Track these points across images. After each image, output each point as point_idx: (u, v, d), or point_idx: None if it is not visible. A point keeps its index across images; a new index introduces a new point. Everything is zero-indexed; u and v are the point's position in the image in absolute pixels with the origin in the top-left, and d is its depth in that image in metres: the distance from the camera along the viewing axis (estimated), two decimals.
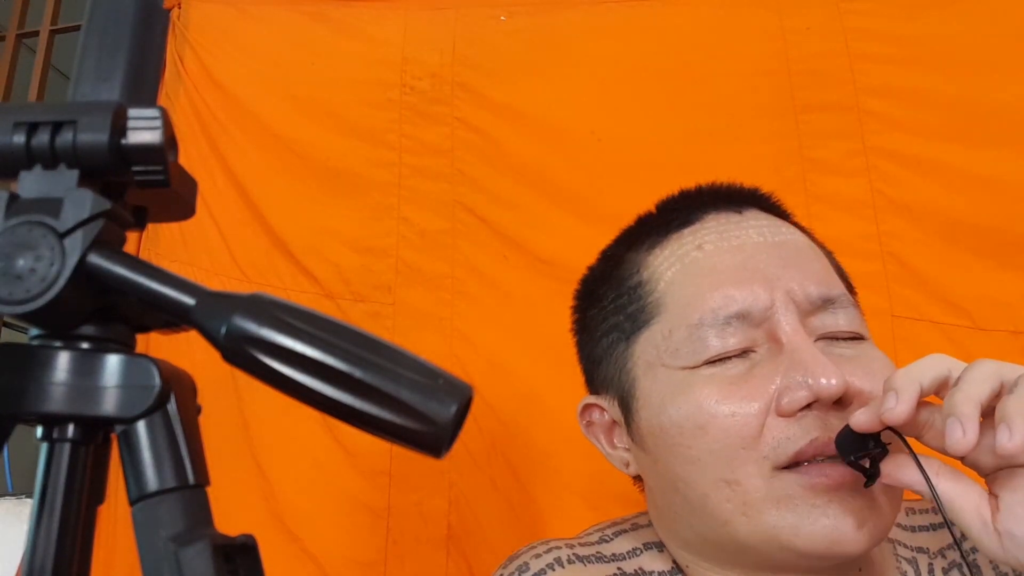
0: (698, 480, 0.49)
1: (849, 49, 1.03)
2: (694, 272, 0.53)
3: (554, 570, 0.54)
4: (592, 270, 0.63)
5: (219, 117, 1.12)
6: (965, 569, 0.54)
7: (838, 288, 0.54)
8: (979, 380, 0.41)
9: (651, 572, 0.56)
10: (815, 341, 0.50)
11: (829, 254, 0.59)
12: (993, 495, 0.42)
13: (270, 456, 0.99)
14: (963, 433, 0.39)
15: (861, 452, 0.44)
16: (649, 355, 0.53)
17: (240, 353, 0.28)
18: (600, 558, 0.56)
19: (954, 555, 0.56)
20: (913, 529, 0.58)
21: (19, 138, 0.30)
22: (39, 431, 0.30)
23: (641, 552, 0.57)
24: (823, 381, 0.46)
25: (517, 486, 0.95)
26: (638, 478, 0.61)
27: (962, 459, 0.43)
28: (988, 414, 0.41)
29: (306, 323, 0.28)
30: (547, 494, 0.94)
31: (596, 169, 1.05)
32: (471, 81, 1.11)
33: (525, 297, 1.01)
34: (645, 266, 0.56)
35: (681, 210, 0.58)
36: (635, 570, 0.56)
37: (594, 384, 0.60)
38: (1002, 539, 0.40)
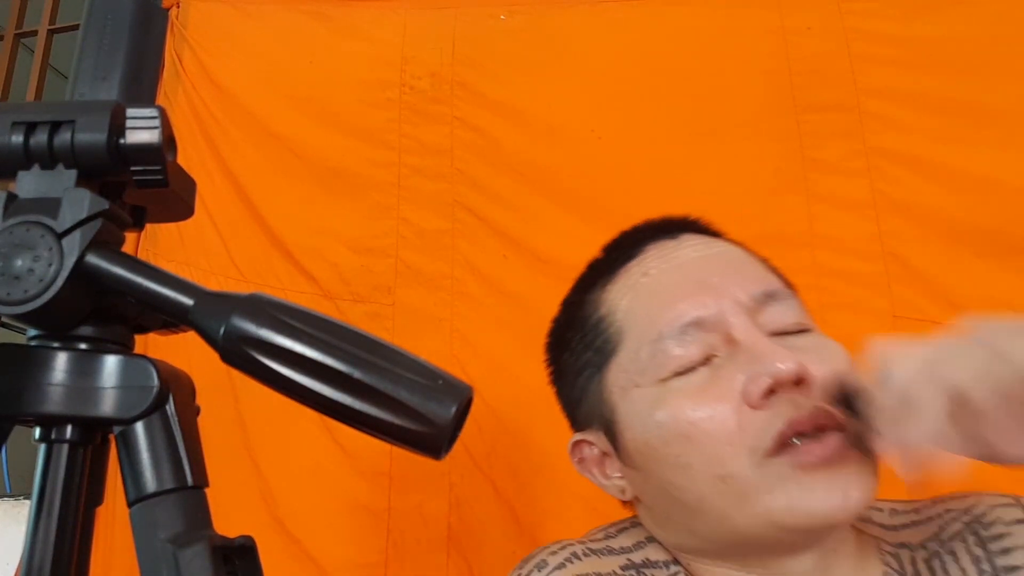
0: (693, 483, 0.52)
1: (850, 49, 1.03)
2: (645, 296, 0.58)
3: (572, 563, 0.57)
4: (556, 320, 0.67)
5: (218, 117, 1.12)
6: (944, 556, 0.57)
7: (776, 284, 0.58)
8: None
9: (656, 562, 0.59)
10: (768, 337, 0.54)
11: (764, 260, 0.62)
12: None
13: (269, 457, 0.99)
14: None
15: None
16: (621, 380, 0.57)
17: (238, 353, 0.28)
18: (610, 551, 0.59)
19: (935, 546, 0.58)
20: (896, 528, 0.61)
21: (17, 138, 0.30)
22: (37, 432, 0.30)
23: (645, 544, 0.60)
24: (779, 366, 0.49)
25: (517, 487, 0.95)
26: (630, 504, 0.64)
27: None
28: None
29: (305, 323, 0.28)
30: (547, 495, 0.94)
31: (596, 168, 1.05)
32: (471, 80, 1.11)
33: (525, 297, 1.01)
34: (602, 303, 0.61)
35: (623, 247, 0.63)
36: (643, 560, 0.59)
37: (579, 423, 0.64)
38: None
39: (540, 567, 0.57)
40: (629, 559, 0.58)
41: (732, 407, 0.51)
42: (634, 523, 0.63)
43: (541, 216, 1.04)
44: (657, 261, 0.59)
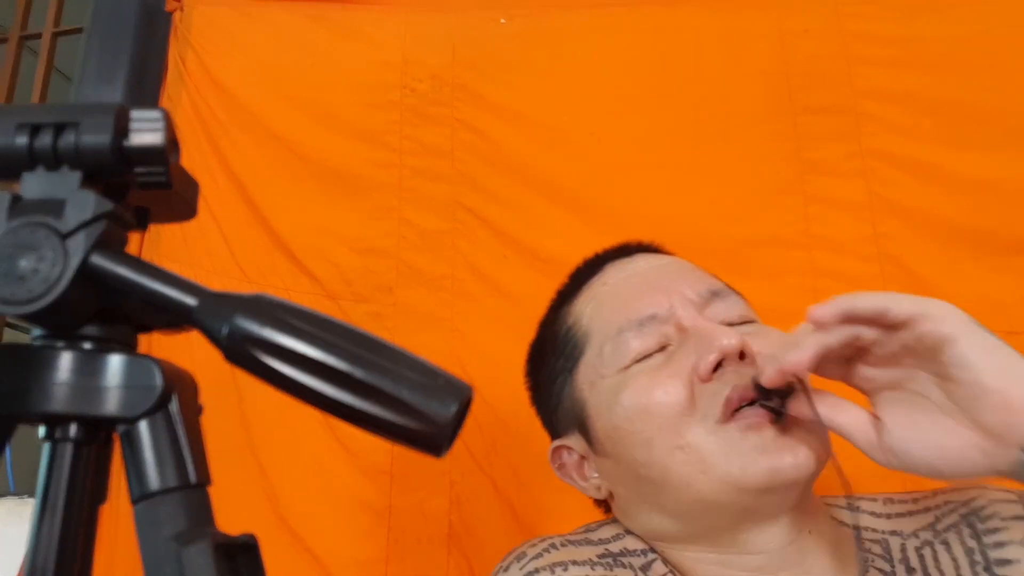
0: (656, 457, 0.57)
1: (847, 52, 1.03)
2: (606, 300, 0.65)
3: (549, 552, 0.60)
4: (532, 344, 0.74)
5: (221, 118, 1.12)
6: (936, 545, 0.59)
7: (720, 284, 0.64)
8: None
9: (634, 550, 0.63)
10: None
11: (712, 274, 0.68)
12: (877, 418, 0.51)
13: (271, 455, 0.99)
14: (796, 356, 0.51)
15: (770, 395, 0.54)
16: (589, 375, 0.63)
17: (242, 353, 0.28)
18: (588, 542, 0.63)
19: (927, 535, 0.60)
20: (889, 516, 0.63)
21: (22, 139, 0.30)
22: (42, 431, 0.30)
23: (623, 536, 0.64)
24: (725, 342, 0.55)
25: (518, 485, 0.95)
26: (605, 504, 0.69)
27: (845, 382, 0.54)
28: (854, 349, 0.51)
29: (307, 323, 0.29)
30: (547, 494, 0.94)
31: (595, 169, 1.05)
32: (471, 83, 1.11)
33: (525, 297, 1.01)
34: (569, 315, 0.68)
35: (584, 269, 0.71)
36: (620, 549, 0.63)
37: (557, 430, 0.69)
38: (887, 453, 0.50)
39: (519, 558, 0.60)
40: (607, 548, 0.62)
41: (684, 382, 0.57)
42: (614, 520, 0.67)
43: (541, 217, 1.04)
44: (615, 272, 0.67)
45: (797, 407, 0.53)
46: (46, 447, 0.30)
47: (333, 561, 0.95)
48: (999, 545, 0.57)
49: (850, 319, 0.50)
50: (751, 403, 0.55)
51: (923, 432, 0.49)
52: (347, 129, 1.11)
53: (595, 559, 0.60)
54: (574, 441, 0.67)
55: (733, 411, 0.55)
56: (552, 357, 0.68)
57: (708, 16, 1.09)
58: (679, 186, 1.02)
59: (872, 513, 0.63)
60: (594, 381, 0.62)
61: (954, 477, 0.48)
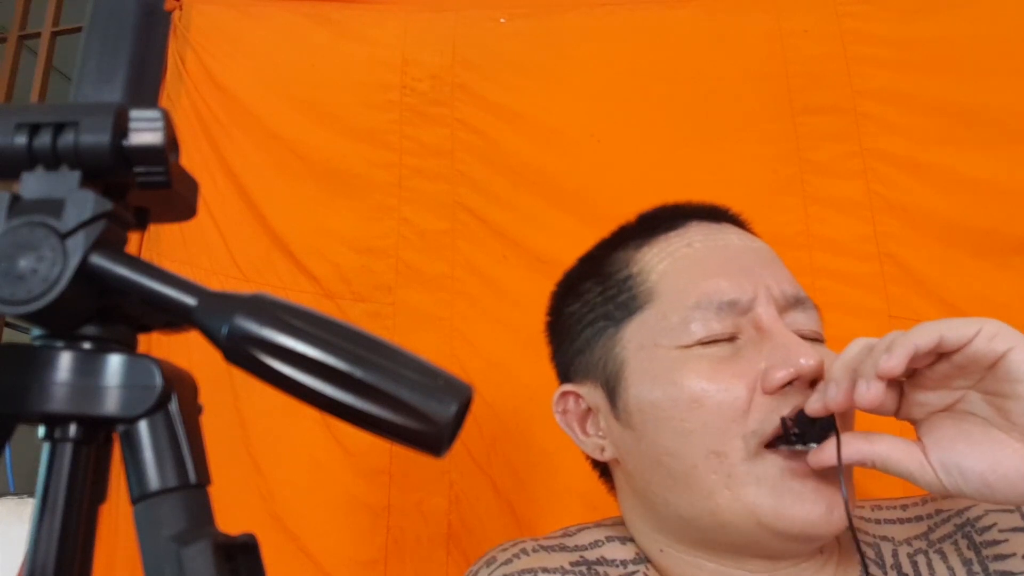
0: (688, 452, 0.53)
1: (846, 52, 1.03)
2: (686, 265, 0.58)
3: (519, 558, 0.58)
4: (570, 272, 0.68)
5: (220, 118, 1.12)
6: (931, 554, 0.58)
7: (803, 291, 0.60)
8: (852, 349, 0.49)
9: (613, 560, 0.59)
10: None
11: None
12: (921, 441, 0.48)
13: (268, 456, 0.99)
14: (836, 391, 0.48)
15: (807, 435, 0.50)
16: (641, 337, 0.57)
17: (241, 353, 0.28)
18: (563, 548, 0.59)
19: (920, 544, 0.59)
20: (878, 522, 0.61)
21: (21, 139, 0.30)
22: (41, 431, 0.30)
23: (603, 543, 0.60)
24: (803, 361, 0.51)
25: (517, 485, 0.95)
26: (606, 473, 0.64)
27: (896, 415, 0.51)
28: (909, 375, 0.49)
29: (307, 323, 0.29)
30: (547, 494, 0.94)
31: (595, 170, 1.05)
32: (471, 83, 1.11)
33: (525, 297, 1.01)
34: (634, 262, 0.61)
35: (664, 218, 0.63)
36: (597, 558, 0.59)
37: (572, 374, 0.64)
38: (937, 471, 0.47)
39: (489, 563, 0.58)
40: (582, 556, 0.59)
41: (747, 386, 0.52)
42: (599, 524, 0.63)
43: (540, 217, 1.04)
44: (702, 236, 0.60)
45: (831, 458, 0.49)
46: (46, 447, 0.30)
47: (331, 561, 0.94)
48: (1000, 558, 0.56)
49: (915, 360, 0.46)
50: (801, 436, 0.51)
51: (975, 445, 0.46)
52: (347, 129, 1.11)
53: (567, 567, 0.57)
54: (588, 392, 0.61)
55: (781, 440, 0.52)
56: (596, 297, 0.62)
57: (708, 17, 1.09)
58: (679, 186, 1.02)
59: (861, 518, 0.62)
60: (645, 345, 0.57)
61: (1006, 494, 0.46)
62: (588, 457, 0.66)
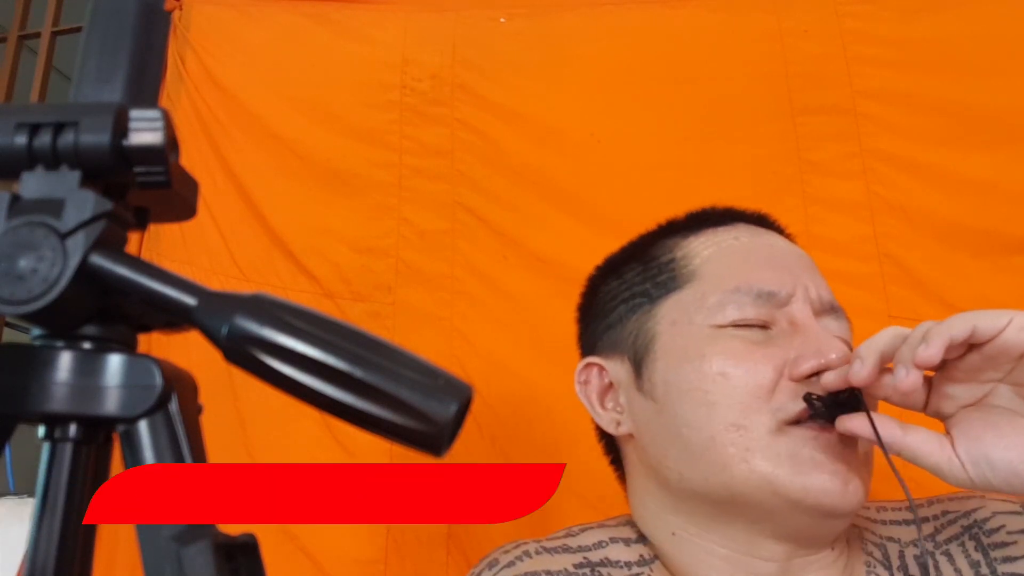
0: (708, 424, 0.55)
1: (846, 52, 1.03)
2: (731, 253, 0.61)
3: (522, 561, 0.58)
4: (612, 256, 0.69)
5: (220, 118, 1.12)
6: (938, 556, 0.58)
7: (839, 303, 0.62)
8: (884, 335, 0.50)
9: (617, 561, 0.59)
10: None
11: None
12: (949, 435, 0.49)
13: (267, 455, 0.99)
14: (860, 367, 0.49)
15: (832, 412, 0.51)
16: (676, 314, 0.60)
17: (241, 353, 0.28)
18: (566, 549, 0.60)
19: (927, 545, 0.59)
20: (884, 523, 0.62)
21: (21, 139, 0.30)
22: (41, 431, 0.30)
23: (607, 544, 0.61)
24: (833, 355, 0.53)
25: None
26: (616, 460, 0.65)
27: (925, 410, 0.52)
28: (938, 368, 0.49)
29: (307, 323, 0.29)
30: None
31: (595, 170, 1.05)
32: (471, 82, 1.11)
33: (525, 297, 1.01)
34: (680, 247, 0.63)
35: (713, 216, 0.66)
36: (601, 559, 0.59)
37: (599, 348, 0.65)
38: (965, 465, 0.47)
39: (491, 566, 0.58)
40: (586, 557, 0.59)
41: (775, 368, 0.55)
42: (602, 524, 0.63)
43: (540, 218, 1.04)
44: (748, 233, 0.64)
45: (861, 425, 0.50)
46: (46, 447, 0.30)
47: (330, 561, 0.94)
48: (1009, 560, 0.56)
49: (948, 351, 0.47)
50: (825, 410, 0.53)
51: (1004, 436, 0.47)
52: (347, 129, 1.11)
53: (571, 568, 0.57)
54: (613, 365, 0.63)
55: (807, 417, 0.53)
56: (635, 276, 0.64)
57: (708, 16, 1.09)
58: (679, 186, 1.02)
59: (867, 519, 0.62)
60: (678, 321, 0.59)
61: None
62: (600, 438, 0.67)
